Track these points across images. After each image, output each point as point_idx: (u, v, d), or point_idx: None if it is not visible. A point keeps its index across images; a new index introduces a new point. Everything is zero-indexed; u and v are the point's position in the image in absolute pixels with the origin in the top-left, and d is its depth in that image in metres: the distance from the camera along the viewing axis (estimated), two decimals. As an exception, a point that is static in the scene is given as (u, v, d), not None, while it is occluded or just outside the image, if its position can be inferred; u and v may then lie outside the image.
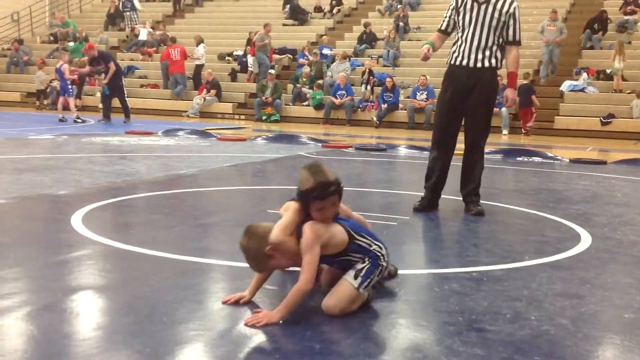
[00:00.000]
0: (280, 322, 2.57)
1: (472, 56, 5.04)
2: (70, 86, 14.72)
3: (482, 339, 2.50)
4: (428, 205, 5.25)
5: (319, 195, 2.72)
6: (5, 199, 5.16)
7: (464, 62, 5.06)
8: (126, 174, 6.85)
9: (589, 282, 3.35)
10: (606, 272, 3.62)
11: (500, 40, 5.08)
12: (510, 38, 5.09)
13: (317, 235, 2.70)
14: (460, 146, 5.31)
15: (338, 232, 2.80)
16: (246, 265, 2.82)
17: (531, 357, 2.34)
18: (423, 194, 5.32)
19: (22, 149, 8.93)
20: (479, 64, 5.04)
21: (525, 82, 14.67)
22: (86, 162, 7.72)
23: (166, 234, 4.25)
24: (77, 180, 6.29)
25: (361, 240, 2.86)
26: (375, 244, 2.91)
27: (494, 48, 5.05)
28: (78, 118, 14.60)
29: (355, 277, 2.77)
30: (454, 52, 5.13)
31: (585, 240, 4.32)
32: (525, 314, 2.81)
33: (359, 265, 2.82)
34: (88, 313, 2.75)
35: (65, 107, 14.73)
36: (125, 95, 15.03)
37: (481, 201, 5.28)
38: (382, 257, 2.88)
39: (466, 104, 5.11)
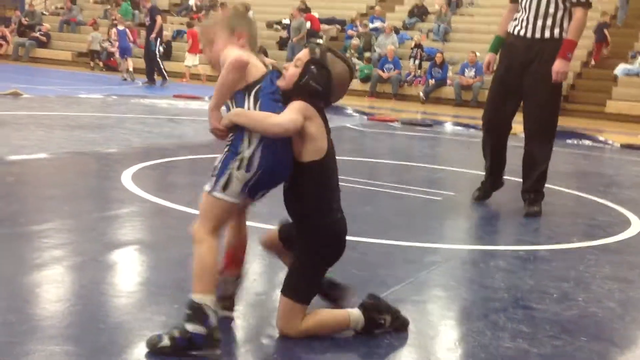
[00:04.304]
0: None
1: (531, 26, 4.35)
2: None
3: (529, 317, 2.48)
4: (490, 188, 4.70)
5: None
6: (58, 154, 5.28)
7: (522, 32, 4.39)
8: (174, 136, 6.93)
9: (638, 267, 3.28)
10: (656, 258, 3.55)
11: (567, 3, 4.31)
12: None
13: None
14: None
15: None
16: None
17: (578, 337, 2.32)
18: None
19: (74, 107, 9.09)
20: (539, 35, 4.34)
21: (601, 20, 15.82)
22: (135, 122, 7.83)
23: (213, 196, 4.30)
24: (127, 139, 6.39)
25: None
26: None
27: (559, 15, 4.31)
28: (126, 79, 14.80)
29: (211, 177, 2.16)
30: (514, 20, 4.53)
31: (636, 225, 4.23)
32: (572, 295, 2.77)
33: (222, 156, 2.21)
34: (138, 267, 2.82)
35: (113, 68, 14.94)
36: (158, 56, 14.44)
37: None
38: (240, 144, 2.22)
39: (522, 81, 4.47)
